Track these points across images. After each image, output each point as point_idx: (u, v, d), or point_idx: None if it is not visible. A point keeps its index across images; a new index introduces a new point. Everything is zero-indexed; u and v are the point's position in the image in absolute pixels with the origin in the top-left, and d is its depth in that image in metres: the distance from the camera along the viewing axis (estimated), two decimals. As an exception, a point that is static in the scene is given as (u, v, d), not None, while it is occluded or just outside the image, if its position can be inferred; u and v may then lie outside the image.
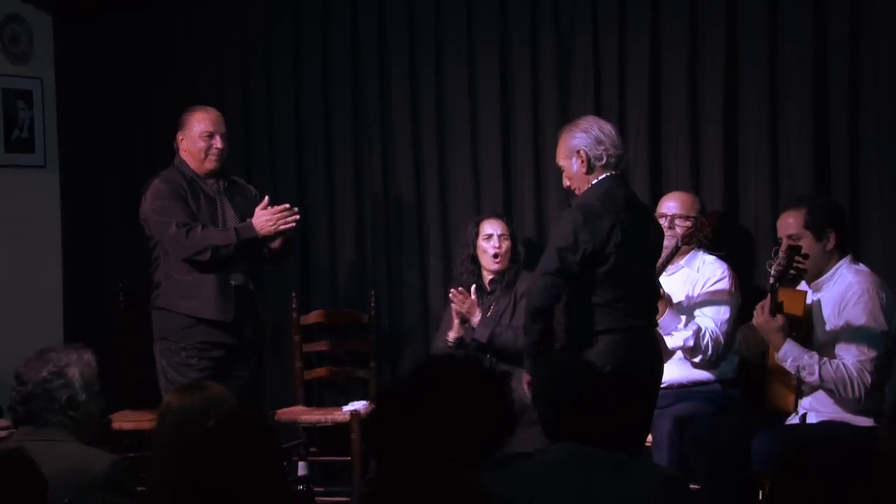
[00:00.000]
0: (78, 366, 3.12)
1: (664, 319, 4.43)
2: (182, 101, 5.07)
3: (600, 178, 4.01)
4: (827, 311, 4.10)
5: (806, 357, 4.02)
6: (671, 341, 4.47)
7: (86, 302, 6.11)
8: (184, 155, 4.69)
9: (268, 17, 5.80)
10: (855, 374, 3.96)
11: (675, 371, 4.53)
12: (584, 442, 2.74)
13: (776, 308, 4.06)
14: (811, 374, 4.01)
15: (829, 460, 1.90)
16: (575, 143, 4.05)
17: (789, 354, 4.03)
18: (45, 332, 5.65)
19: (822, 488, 1.86)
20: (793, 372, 4.06)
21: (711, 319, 4.50)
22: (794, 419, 4.18)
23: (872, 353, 3.97)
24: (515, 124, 5.32)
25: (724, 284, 4.56)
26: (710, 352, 4.47)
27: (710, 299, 4.55)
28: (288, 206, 4.58)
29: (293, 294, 5.56)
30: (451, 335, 4.94)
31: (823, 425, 4.06)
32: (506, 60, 5.31)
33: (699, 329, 4.46)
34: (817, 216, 4.11)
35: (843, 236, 4.17)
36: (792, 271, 4.08)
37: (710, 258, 4.60)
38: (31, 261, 6.04)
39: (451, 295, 4.89)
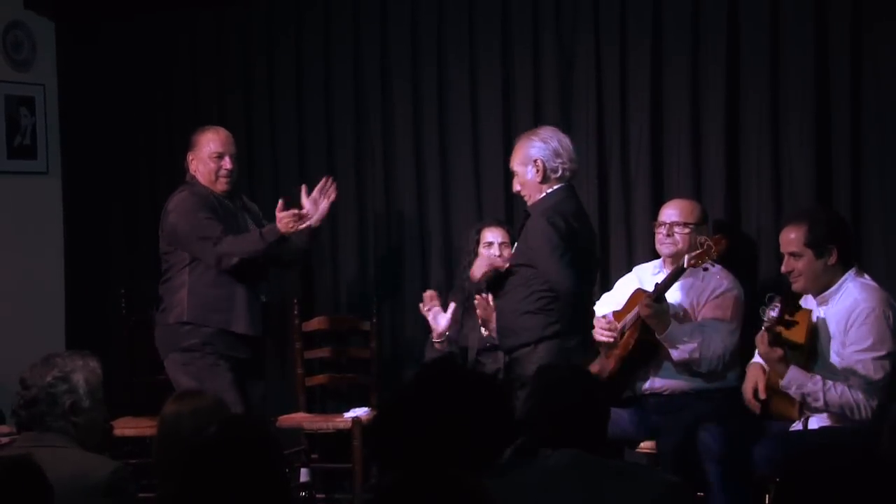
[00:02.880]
0: (83, 372, 3.13)
1: (669, 332, 4.42)
2: (185, 107, 5.09)
3: (554, 188, 4.32)
4: (833, 328, 4.07)
5: (810, 384, 3.99)
6: (676, 353, 4.45)
7: (88, 308, 6.12)
8: (196, 174, 4.74)
9: (270, 25, 5.81)
10: (861, 397, 3.93)
11: (676, 380, 4.53)
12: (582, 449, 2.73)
13: (775, 340, 4.03)
14: (816, 400, 3.98)
15: (833, 466, 1.90)
16: (534, 152, 4.33)
17: (793, 382, 4.01)
18: (48, 338, 5.66)
19: (826, 494, 1.86)
20: (797, 399, 4.04)
21: (716, 330, 4.48)
22: (797, 425, 4.16)
23: (879, 376, 3.95)
24: (518, 132, 5.30)
25: (730, 294, 4.53)
26: (714, 362, 4.45)
27: (715, 309, 4.53)
28: (295, 211, 4.59)
29: (295, 301, 5.55)
30: (436, 336, 4.95)
31: (825, 431, 4.05)
32: (507, 68, 5.31)
33: (704, 340, 4.44)
34: (818, 233, 4.07)
35: (846, 250, 4.13)
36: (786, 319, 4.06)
37: (716, 268, 4.57)
38: (34, 267, 6.05)
39: (476, 301, 4.85)
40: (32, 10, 6.07)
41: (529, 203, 4.43)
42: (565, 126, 5.17)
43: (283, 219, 4.54)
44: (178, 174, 4.88)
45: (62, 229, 6.21)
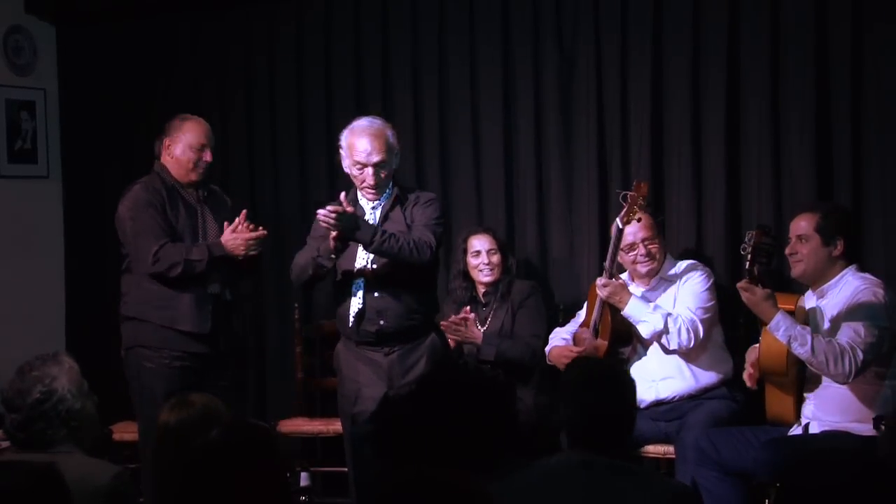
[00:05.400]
0: (63, 376, 3.07)
1: (629, 308, 4.43)
2: (186, 111, 5.07)
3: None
4: (829, 317, 4.08)
5: (798, 328, 3.93)
6: (644, 329, 4.45)
7: (87, 311, 6.12)
8: (167, 161, 4.60)
9: (271, 29, 5.82)
10: (848, 349, 3.88)
11: (680, 384, 4.53)
12: (601, 450, 2.70)
13: (755, 281, 3.98)
14: (803, 344, 3.90)
15: (834, 472, 1.90)
16: (395, 141, 4.31)
17: (781, 324, 3.94)
18: (47, 341, 5.64)
19: (828, 501, 1.86)
20: (784, 342, 3.95)
21: (687, 308, 4.48)
22: (796, 430, 4.16)
23: (868, 339, 3.89)
24: (518, 137, 5.32)
25: (700, 278, 4.55)
26: (683, 336, 4.42)
27: (687, 292, 4.53)
28: (258, 232, 4.48)
29: (295, 305, 5.55)
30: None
31: (826, 436, 4.04)
32: (508, 73, 5.32)
33: (669, 314, 4.44)
34: (829, 222, 4.10)
35: (852, 247, 4.16)
36: (762, 260, 4.02)
37: (685, 263, 4.63)
38: (34, 270, 6.05)
39: (445, 324, 4.84)
40: (33, 14, 6.08)
41: (373, 196, 4.31)
42: (566, 127, 5.19)
43: (237, 238, 4.44)
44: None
45: (62, 233, 6.21)
